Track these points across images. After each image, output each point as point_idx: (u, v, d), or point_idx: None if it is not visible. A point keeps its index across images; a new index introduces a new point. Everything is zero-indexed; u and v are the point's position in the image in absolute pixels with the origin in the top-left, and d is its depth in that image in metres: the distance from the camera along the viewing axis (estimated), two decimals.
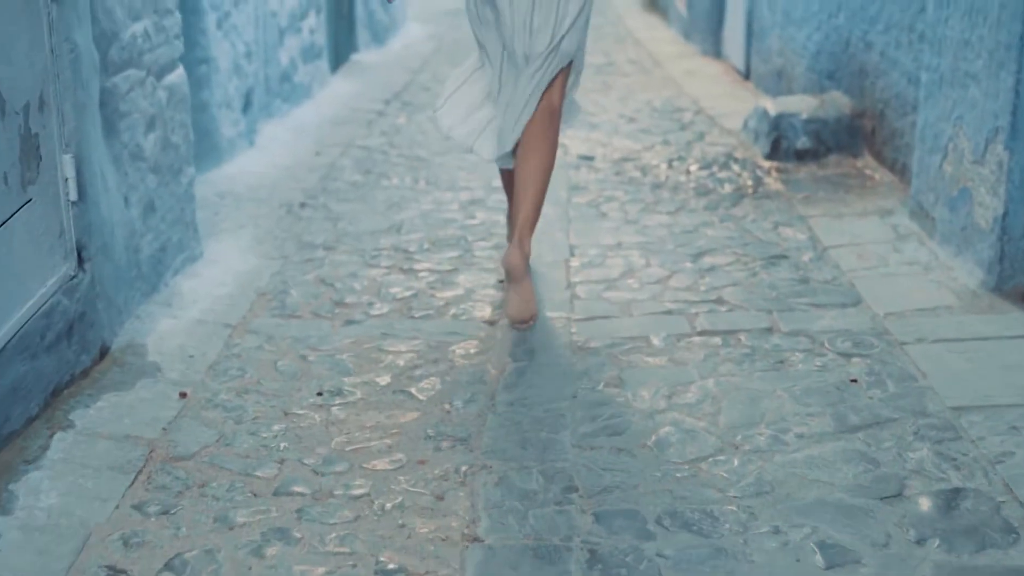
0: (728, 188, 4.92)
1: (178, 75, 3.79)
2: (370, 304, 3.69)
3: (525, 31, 3.29)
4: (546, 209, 4.01)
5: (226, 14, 5.22)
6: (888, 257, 3.93)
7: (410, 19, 11.65)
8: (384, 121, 6.57)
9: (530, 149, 3.37)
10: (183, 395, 3.01)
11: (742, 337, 3.34)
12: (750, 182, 5.00)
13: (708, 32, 8.78)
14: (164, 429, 2.83)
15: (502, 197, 4.72)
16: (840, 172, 5.03)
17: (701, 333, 3.39)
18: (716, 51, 8.62)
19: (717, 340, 3.33)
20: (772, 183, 4.97)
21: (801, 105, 5.36)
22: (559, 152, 3.87)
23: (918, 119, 4.18)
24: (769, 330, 3.39)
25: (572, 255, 4.11)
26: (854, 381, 3.03)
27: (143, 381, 3.05)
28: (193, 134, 4.01)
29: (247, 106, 5.55)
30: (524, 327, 3.41)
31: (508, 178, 3.71)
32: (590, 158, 5.55)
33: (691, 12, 9.53)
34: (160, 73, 3.66)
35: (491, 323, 3.52)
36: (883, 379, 3.03)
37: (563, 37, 3.30)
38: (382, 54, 9.14)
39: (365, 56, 8.82)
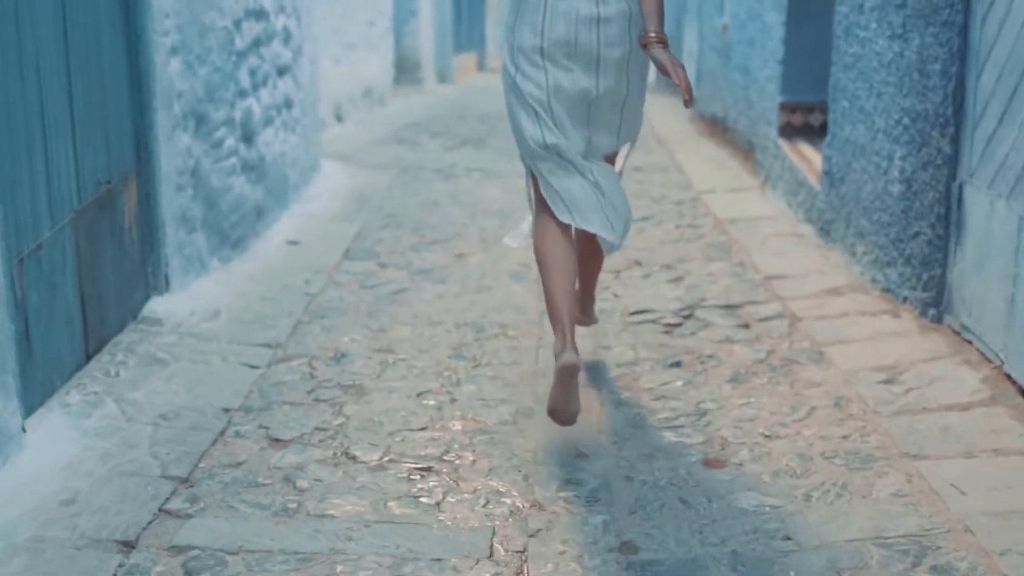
0: None
1: None
2: None
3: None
4: None
5: None
6: None
7: (328, 157, 6.97)
8: None
9: (593, 249, 3.43)
10: None
11: None
12: None
13: (896, 252, 4.18)
14: None
15: None
16: None
17: None
18: (928, 304, 3.96)
19: None
20: None
21: None
22: None
23: None
24: None
25: None
26: None
27: None
28: None
29: None
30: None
31: (562, 282, 3.09)
32: None
33: (833, 189, 4.92)
34: None
35: None
36: None
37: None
38: (225, 281, 4.44)
39: (181, 301, 4.12)
